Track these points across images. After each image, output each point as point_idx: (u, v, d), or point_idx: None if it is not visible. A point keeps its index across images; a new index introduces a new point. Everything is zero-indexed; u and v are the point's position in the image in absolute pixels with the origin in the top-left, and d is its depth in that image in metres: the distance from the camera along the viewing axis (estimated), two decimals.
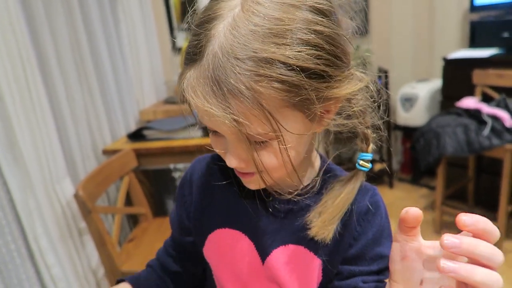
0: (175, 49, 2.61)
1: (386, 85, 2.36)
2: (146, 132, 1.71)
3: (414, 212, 0.34)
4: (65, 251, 1.33)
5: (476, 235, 0.32)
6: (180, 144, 1.61)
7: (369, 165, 0.49)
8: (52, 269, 1.26)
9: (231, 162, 0.44)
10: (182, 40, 2.52)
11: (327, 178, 0.53)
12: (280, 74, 0.37)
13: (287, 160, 0.42)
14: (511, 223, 1.95)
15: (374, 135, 0.49)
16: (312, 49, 0.38)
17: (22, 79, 1.19)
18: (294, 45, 0.37)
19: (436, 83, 2.37)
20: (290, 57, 0.37)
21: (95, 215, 1.25)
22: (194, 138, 1.63)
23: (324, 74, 0.39)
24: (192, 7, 0.45)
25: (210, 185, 0.59)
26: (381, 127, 0.49)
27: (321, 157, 0.57)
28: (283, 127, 0.39)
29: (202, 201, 0.60)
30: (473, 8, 2.19)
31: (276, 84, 0.37)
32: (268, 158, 0.42)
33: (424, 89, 2.36)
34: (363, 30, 0.47)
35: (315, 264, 0.52)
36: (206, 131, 1.61)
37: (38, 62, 1.30)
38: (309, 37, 0.38)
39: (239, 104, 0.37)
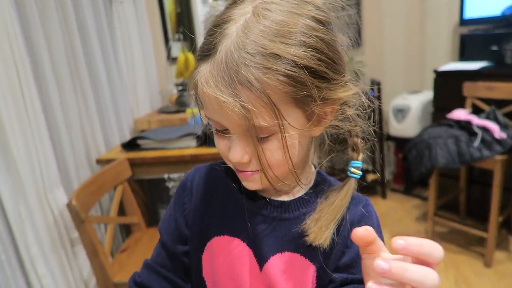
0: (170, 59, 2.62)
1: (378, 96, 2.39)
2: (140, 142, 1.71)
3: (359, 232, 0.34)
4: (56, 261, 1.32)
5: (414, 259, 0.32)
6: (175, 154, 1.61)
7: (360, 172, 0.52)
8: (43, 279, 1.25)
9: (235, 155, 0.46)
10: (177, 50, 2.54)
11: (321, 187, 0.56)
12: (285, 69, 0.41)
13: (288, 155, 0.45)
14: (502, 234, 1.97)
15: (364, 144, 0.52)
16: (313, 51, 0.42)
17: (16, 86, 1.19)
18: (298, 45, 0.42)
19: (428, 94, 2.41)
20: (294, 55, 0.41)
21: (88, 225, 1.24)
22: (188, 148, 1.64)
23: (324, 75, 0.44)
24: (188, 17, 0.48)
25: (210, 192, 0.61)
26: (373, 134, 0.52)
27: (315, 167, 0.59)
28: (285, 119, 0.43)
29: (201, 208, 0.60)
30: (463, 22, 2.25)
31: (282, 78, 0.41)
32: (271, 153, 0.45)
33: (416, 101, 2.39)
34: (356, 43, 0.50)
35: (310, 272, 0.53)
36: (201, 141, 1.62)
37: (33, 69, 1.30)
38: (311, 41, 0.42)
39: (248, 93, 0.41)
